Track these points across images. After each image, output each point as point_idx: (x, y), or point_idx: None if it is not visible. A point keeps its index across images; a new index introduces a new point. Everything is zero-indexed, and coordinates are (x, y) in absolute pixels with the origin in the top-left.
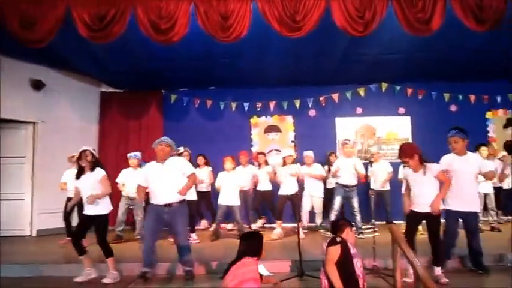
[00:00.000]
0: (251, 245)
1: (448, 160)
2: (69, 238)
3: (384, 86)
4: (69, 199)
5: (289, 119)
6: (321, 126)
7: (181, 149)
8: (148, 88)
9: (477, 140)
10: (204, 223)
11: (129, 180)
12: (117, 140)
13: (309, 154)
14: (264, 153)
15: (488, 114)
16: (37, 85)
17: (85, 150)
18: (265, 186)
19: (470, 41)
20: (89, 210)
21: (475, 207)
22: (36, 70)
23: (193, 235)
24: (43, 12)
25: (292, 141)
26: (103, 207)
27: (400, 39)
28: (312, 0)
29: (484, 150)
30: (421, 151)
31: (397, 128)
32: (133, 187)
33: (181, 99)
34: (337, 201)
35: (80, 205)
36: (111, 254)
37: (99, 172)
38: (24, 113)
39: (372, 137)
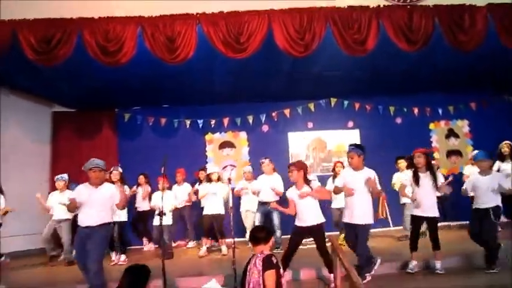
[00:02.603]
0: (137, 284)
1: (344, 173)
2: None
3: (333, 101)
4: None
5: (243, 135)
6: (274, 141)
7: (112, 169)
8: (101, 107)
9: None
10: (145, 243)
11: (55, 202)
12: (70, 160)
13: (248, 169)
14: (204, 169)
15: (431, 126)
16: None
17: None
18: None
19: (406, 58)
20: None
21: (366, 219)
22: None
23: (123, 256)
24: None
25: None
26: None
27: (340, 58)
28: (254, 22)
29: (401, 162)
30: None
31: (347, 140)
32: (59, 209)
33: (135, 117)
34: (257, 217)
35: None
36: None
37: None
38: None
39: (323, 150)
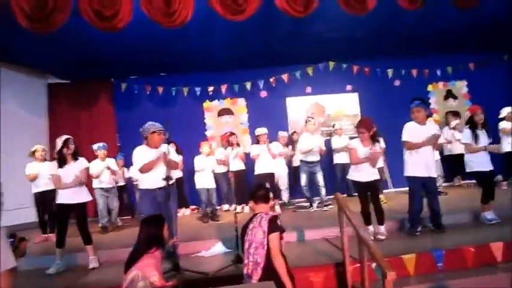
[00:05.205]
0: (152, 232)
1: (411, 128)
2: (47, 235)
3: (331, 64)
4: (37, 195)
5: (242, 102)
6: (273, 106)
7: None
8: (97, 77)
9: None
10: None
11: (100, 171)
12: (68, 132)
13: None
14: (235, 134)
15: (430, 87)
16: None
17: (69, 138)
18: (238, 166)
19: (407, 17)
20: (68, 199)
21: (434, 172)
22: None
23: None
24: None
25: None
26: (84, 195)
27: (339, 18)
28: None
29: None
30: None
31: (346, 104)
32: (105, 177)
33: (131, 87)
34: (304, 177)
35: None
36: (91, 241)
37: (84, 162)
38: None
39: (322, 115)
